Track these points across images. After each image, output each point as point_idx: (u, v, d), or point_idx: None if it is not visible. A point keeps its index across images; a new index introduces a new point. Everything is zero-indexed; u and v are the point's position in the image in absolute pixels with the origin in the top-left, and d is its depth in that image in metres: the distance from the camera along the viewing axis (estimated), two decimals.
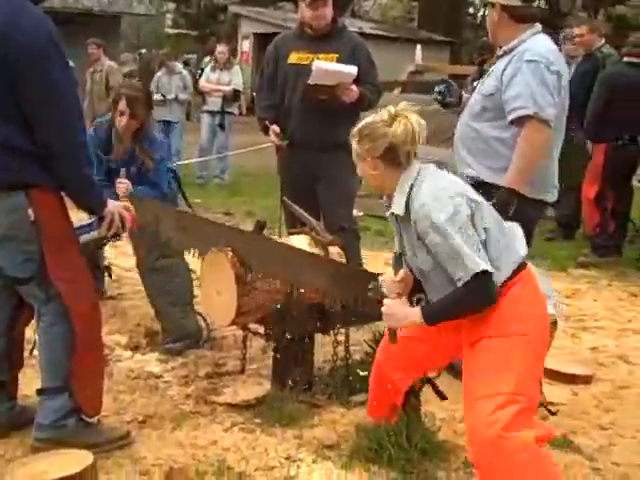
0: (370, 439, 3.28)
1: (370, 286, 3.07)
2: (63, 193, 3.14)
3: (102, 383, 3.39)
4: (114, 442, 3.34)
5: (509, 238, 2.84)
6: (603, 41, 7.72)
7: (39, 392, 3.27)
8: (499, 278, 2.72)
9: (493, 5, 3.69)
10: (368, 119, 2.90)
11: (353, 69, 4.60)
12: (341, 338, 3.90)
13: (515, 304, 2.75)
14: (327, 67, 4.60)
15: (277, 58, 4.90)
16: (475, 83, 3.98)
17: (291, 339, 3.75)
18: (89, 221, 3.66)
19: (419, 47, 13.59)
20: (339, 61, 4.70)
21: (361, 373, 3.74)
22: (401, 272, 2.98)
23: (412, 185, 2.80)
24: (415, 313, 2.82)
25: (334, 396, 3.82)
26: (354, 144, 2.91)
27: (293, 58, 4.81)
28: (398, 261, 3.14)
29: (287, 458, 3.29)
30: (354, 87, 4.63)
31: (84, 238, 3.60)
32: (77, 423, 3.26)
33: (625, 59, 7.01)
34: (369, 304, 3.31)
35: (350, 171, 4.74)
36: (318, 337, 3.97)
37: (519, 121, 3.53)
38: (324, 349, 4.15)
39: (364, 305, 3.44)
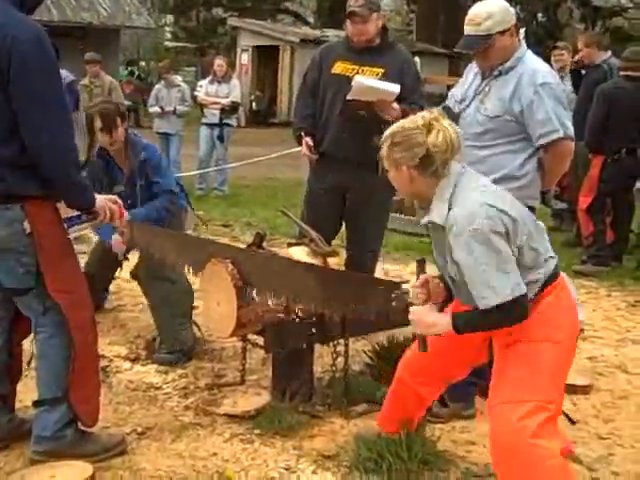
0: (370, 450, 3.28)
1: (394, 294, 3.06)
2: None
3: (99, 393, 3.39)
4: (111, 450, 3.35)
5: (546, 243, 2.83)
6: (609, 53, 7.76)
7: (37, 404, 3.27)
8: (539, 282, 2.72)
9: (503, 33, 3.66)
10: (400, 124, 2.79)
11: (395, 87, 4.40)
12: (340, 349, 3.91)
13: (553, 310, 2.74)
14: (367, 83, 4.42)
15: (321, 66, 4.71)
16: (453, 97, 3.94)
17: (290, 350, 3.76)
18: (77, 213, 3.66)
19: (417, 59, 13.60)
20: (385, 76, 4.52)
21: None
22: (422, 277, 2.90)
23: (452, 194, 2.72)
24: (445, 321, 2.75)
25: (333, 407, 3.83)
26: (385, 150, 2.79)
27: (338, 68, 4.63)
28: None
29: (287, 469, 3.29)
30: (395, 105, 4.41)
31: (74, 230, 3.61)
32: (75, 433, 3.27)
33: (621, 73, 7.06)
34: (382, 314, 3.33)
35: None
36: (317, 348, 3.97)
37: (549, 143, 3.68)
38: (323, 360, 4.16)
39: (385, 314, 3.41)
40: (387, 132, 2.79)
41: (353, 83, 4.40)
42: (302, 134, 4.69)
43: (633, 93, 6.88)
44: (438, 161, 2.71)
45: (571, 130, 3.73)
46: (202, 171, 10.86)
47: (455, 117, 3.84)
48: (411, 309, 2.85)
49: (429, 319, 2.80)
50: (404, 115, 4.47)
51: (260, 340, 3.88)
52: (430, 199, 2.78)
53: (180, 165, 10.98)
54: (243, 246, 3.99)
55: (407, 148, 2.72)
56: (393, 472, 3.18)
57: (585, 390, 4.20)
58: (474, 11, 3.69)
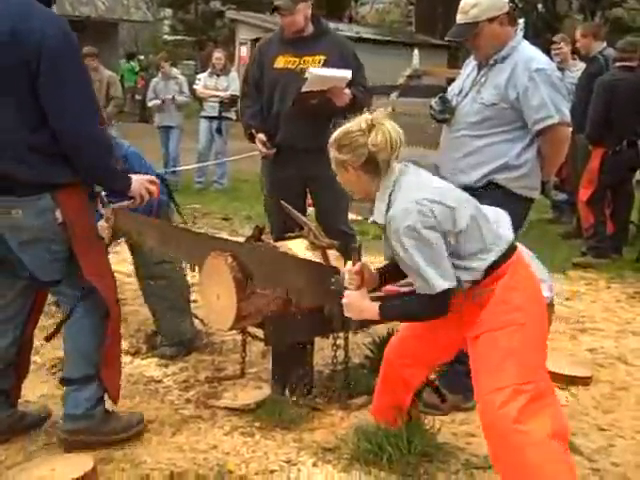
0: (370, 442, 3.29)
1: (332, 279, 3.20)
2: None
3: (121, 370, 3.52)
4: (133, 427, 3.48)
5: (494, 226, 2.87)
6: (605, 44, 7.76)
7: (68, 383, 3.34)
8: (486, 262, 2.78)
9: (491, 20, 3.69)
10: (345, 128, 2.89)
11: (348, 73, 4.51)
12: (340, 342, 3.91)
13: (510, 292, 2.78)
14: (323, 73, 4.50)
15: (262, 63, 4.77)
16: (453, 91, 3.95)
17: (291, 343, 3.76)
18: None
19: (416, 51, 13.56)
20: (327, 62, 4.61)
21: None
22: (358, 264, 3.01)
23: (390, 193, 2.83)
24: (373, 308, 2.92)
25: (334, 399, 3.84)
26: (333, 153, 2.90)
27: (280, 62, 4.69)
28: None
29: (287, 462, 3.30)
30: (346, 90, 4.54)
31: (117, 205, 3.72)
32: (103, 412, 3.37)
33: (617, 64, 7.05)
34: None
35: None
36: (317, 341, 3.98)
37: (545, 129, 3.67)
38: (323, 353, 4.16)
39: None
40: (333, 136, 2.91)
41: (307, 75, 4.45)
42: (253, 132, 4.75)
43: (632, 84, 6.88)
44: (380, 160, 2.81)
45: (567, 116, 3.73)
46: (201, 164, 10.86)
47: (452, 109, 3.85)
48: (345, 293, 2.99)
49: (360, 304, 2.95)
50: (354, 99, 4.54)
51: (260, 333, 3.88)
52: (373, 199, 2.90)
53: (180, 158, 10.99)
54: (242, 239, 3.98)
55: (352, 149, 2.84)
56: (393, 464, 3.20)
57: (585, 382, 4.21)
58: (464, 0, 3.75)
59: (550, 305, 3.03)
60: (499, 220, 2.93)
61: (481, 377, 2.78)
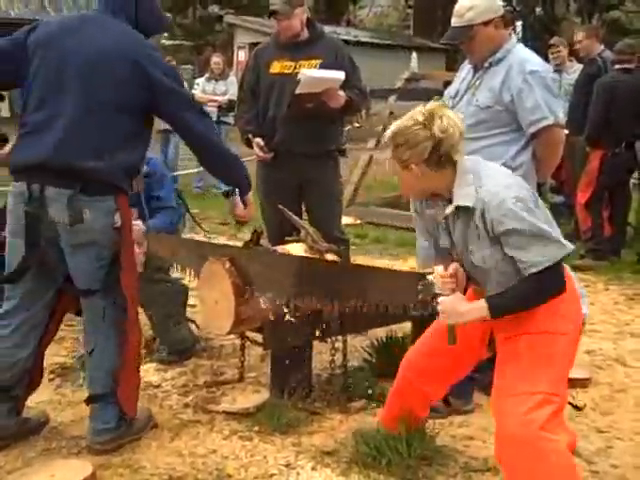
0: (369, 445, 3.28)
1: (420, 286, 3.02)
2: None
3: (139, 387, 3.55)
4: (148, 423, 3.57)
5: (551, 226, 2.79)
6: (603, 46, 7.77)
7: (94, 400, 3.36)
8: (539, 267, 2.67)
9: (486, 24, 3.71)
10: (398, 125, 2.75)
11: (341, 74, 4.52)
12: (339, 345, 3.92)
13: (559, 301, 2.72)
14: (315, 75, 4.52)
15: (258, 68, 4.79)
16: (449, 94, 3.97)
17: (289, 347, 3.76)
18: None
19: (415, 54, 13.62)
20: (322, 66, 4.63)
21: None
22: (452, 266, 2.84)
23: (474, 178, 2.72)
24: (479, 307, 2.73)
25: (332, 403, 3.84)
26: (389, 154, 2.78)
27: (275, 67, 4.70)
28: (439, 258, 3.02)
29: (286, 465, 3.30)
30: (341, 92, 4.55)
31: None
32: (126, 420, 3.41)
33: (616, 66, 7.07)
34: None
35: (336, 178, 4.89)
36: (316, 344, 3.98)
37: (539, 130, 3.69)
38: (322, 356, 4.16)
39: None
40: (388, 135, 2.77)
41: (300, 77, 4.46)
42: (250, 137, 4.76)
43: (630, 86, 6.89)
44: (446, 149, 2.69)
45: (561, 118, 3.75)
46: (200, 169, 10.84)
47: None
48: (440, 299, 2.80)
49: (461, 308, 2.76)
50: (349, 101, 4.55)
51: (259, 337, 3.89)
52: (443, 192, 2.80)
53: (178, 163, 10.99)
54: (240, 244, 3.99)
55: (412, 146, 2.70)
56: (392, 467, 3.19)
57: (584, 383, 4.21)
58: (459, 3, 3.79)
59: (583, 323, 2.97)
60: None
61: (512, 377, 2.70)
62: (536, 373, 2.66)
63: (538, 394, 2.62)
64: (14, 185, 3.23)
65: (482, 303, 2.72)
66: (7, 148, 3.34)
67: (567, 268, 2.87)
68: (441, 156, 2.70)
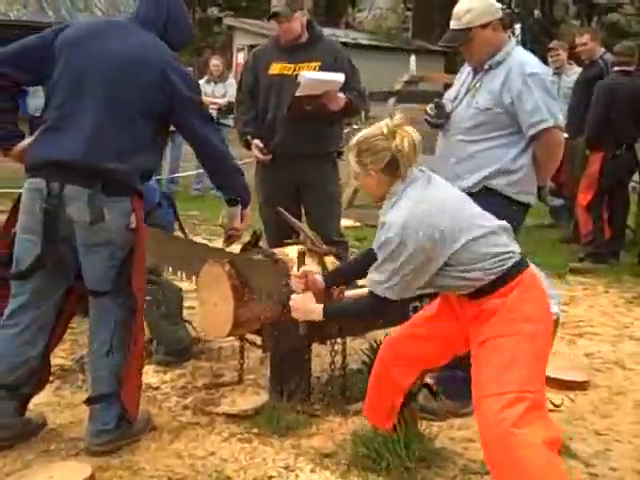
0: (368, 448, 3.29)
1: (283, 282, 3.40)
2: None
3: (141, 389, 3.55)
4: (148, 424, 3.58)
5: (502, 240, 2.91)
6: (603, 49, 7.78)
7: (96, 400, 3.36)
8: (489, 276, 2.84)
9: (484, 26, 3.72)
10: (364, 133, 2.97)
11: (340, 77, 4.53)
12: (338, 347, 3.92)
13: (522, 303, 2.82)
14: (315, 77, 4.52)
15: (257, 70, 4.80)
16: (449, 97, 3.97)
17: (288, 349, 3.76)
18: None
19: (413, 57, 13.60)
20: (321, 69, 4.63)
21: None
22: (302, 269, 3.25)
23: (397, 199, 2.90)
24: (317, 311, 3.09)
25: (331, 405, 3.84)
26: (353, 157, 2.98)
27: (275, 69, 4.71)
28: None
29: (285, 468, 3.30)
30: (340, 95, 4.56)
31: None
32: (126, 421, 3.41)
33: (616, 68, 7.08)
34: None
35: (335, 180, 4.91)
36: (315, 347, 3.98)
37: (539, 132, 3.69)
38: (321, 359, 4.16)
39: None
40: (353, 141, 2.99)
41: (300, 79, 4.47)
42: (249, 138, 4.77)
43: (630, 88, 6.91)
44: (402, 165, 2.90)
45: (561, 120, 3.76)
46: (199, 171, 10.84)
47: (447, 114, 3.87)
48: (292, 296, 3.20)
49: (306, 307, 3.14)
50: (348, 103, 4.56)
51: (258, 339, 3.89)
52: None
53: (180, 165, 10.99)
54: (239, 246, 3.99)
55: (374, 153, 2.92)
56: (391, 470, 3.20)
57: (582, 386, 4.21)
58: (458, 6, 3.80)
59: (556, 321, 3.07)
60: (502, 235, 2.95)
61: (483, 380, 2.79)
62: (504, 373, 2.72)
63: (508, 393, 2.68)
64: (30, 182, 3.25)
65: (319, 308, 3.09)
66: (21, 145, 3.35)
67: (534, 269, 2.97)
68: (396, 168, 2.91)
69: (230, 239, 3.77)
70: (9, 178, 7.96)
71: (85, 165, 3.12)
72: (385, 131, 2.92)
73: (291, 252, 3.82)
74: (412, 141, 2.91)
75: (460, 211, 2.92)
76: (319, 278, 3.27)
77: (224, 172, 3.55)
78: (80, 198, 3.13)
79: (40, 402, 3.75)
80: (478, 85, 3.78)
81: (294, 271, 3.26)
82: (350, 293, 3.69)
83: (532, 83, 3.66)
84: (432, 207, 2.86)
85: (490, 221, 2.96)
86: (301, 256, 3.32)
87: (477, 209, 2.99)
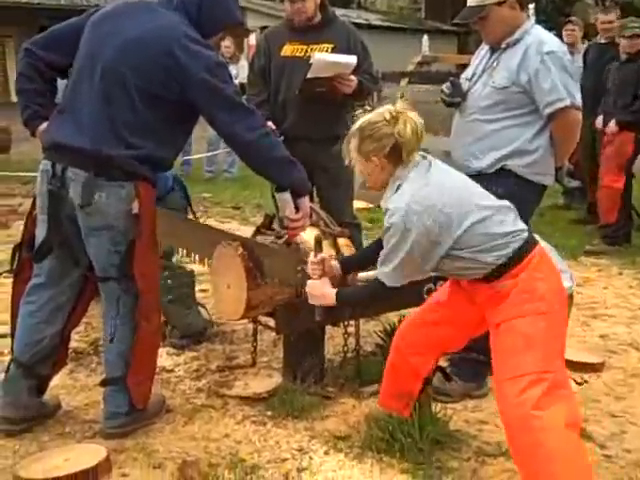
0: (382, 430, 3.29)
1: (299, 268, 3.45)
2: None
3: (154, 378, 3.54)
4: (162, 408, 3.60)
5: (510, 219, 2.89)
6: None
7: (110, 382, 3.38)
8: (495, 263, 2.82)
9: (501, 4, 3.67)
10: (367, 119, 2.93)
11: (353, 59, 4.50)
12: (351, 330, 3.92)
13: (534, 282, 2.80)
14: (327, 59, 4.49)
15: (269, 51, 4.76)
16: (465, 76, 3.93)
17: (302, 332, 3.76)
18: None
19: (426, 37, 13.51)
20: (335, 50, 4.60)
21: None
22: (319, 256, 3.22)
23: (399, 185, 2.88)
24: (331, 295, 3.12)
25: (345, 388, 3.84)
26: (354, 143, 2.94)
27: (287, 51, 4.68)
28: None
29: (299, 450, 3.30)
30: (352, 77, 4.53)
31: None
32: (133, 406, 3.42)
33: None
34: None
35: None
36: (328, 329, 3.98)
37: (556, 112, 3.64)
38: (335, 341, 4.16)
39: None
40: (355, 127, 2.95)
41: (312, 61, 4.44)
42: None
43: None
44: (405, 151, 2.87)
45: (578, 99, 3.69)
46: (211, 153, 10.85)
47: (463, 93, 3.83)
48: (308, 282, 3.22)
49: (318, 292, 3.17)
50: (360, 86, 4.52)
51: (271, 322, 3.88)
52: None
53: (191, 147, 10.98)
54: (252, 228, 3.98)
55: (376, 139, 2.89)
56: (405, 452, 3.20)
57: (597, 368, 4.20)
58: None
59: (570, 296, 3.04)
60: (515, 213, 2.93)
61: (501, 364, 2.79)
62: (522, 356, 2.72)
63: (527, 375, 2.68)
64: (42, 163, 3.28)
65: (333, 292, 3.12)
66: (42, 127, 3.37)
67: (545, 246, 2.97)
68: (399, 155, 2.89)
69: (288, 230, 3.60)
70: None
71: (83, 148, 3.11)
72: (387, 117, 2.89)
73: (306, 235, 3.82)
74: (415, 126, 2.88)
75: (464, 193, 2.91)
76: (335, 264, 3.28)
77: (253, 160, 3.34)
78: (77, 180, 3.14)
79: (55, 385, 3.76)
80: (495, 64, 3.73)
81: (311, 257, 3.25)
82: (363, 275, 3.68)
83: (550, 61, 3.60)
84: (435, 191, 2.84)
85: (494, 201, 2.95)
86: (318, 242, 3.28)
87: (480, 190, 2.97)
